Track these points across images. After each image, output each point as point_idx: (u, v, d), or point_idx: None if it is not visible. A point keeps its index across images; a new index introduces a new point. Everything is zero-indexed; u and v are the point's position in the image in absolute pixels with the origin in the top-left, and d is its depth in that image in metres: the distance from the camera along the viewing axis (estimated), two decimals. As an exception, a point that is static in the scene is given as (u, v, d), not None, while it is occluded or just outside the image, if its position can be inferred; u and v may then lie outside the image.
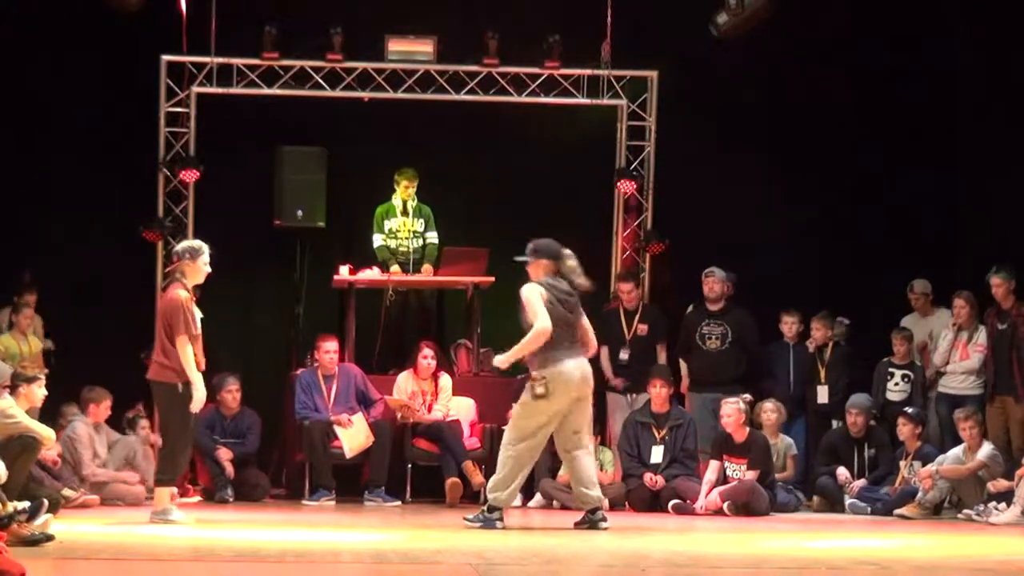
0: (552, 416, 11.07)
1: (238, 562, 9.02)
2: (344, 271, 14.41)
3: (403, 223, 14.76)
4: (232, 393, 13.79)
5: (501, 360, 11.31)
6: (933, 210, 15.54)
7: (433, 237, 14.77)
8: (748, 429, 13.20)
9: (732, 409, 13.13)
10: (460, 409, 14.06)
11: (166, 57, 14.81)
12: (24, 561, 7.84)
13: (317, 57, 14.95)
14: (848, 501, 13.47)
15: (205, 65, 14.80)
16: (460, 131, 15.30)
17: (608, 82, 15.18)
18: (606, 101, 15.26)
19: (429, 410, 13.95)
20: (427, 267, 14.61)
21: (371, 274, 14.50)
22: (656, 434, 13.51)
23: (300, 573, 8.72)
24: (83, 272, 14.44)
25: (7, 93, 14.53)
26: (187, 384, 11.12)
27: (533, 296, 10.97)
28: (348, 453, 13.68)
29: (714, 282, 14.27)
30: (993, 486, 12.69)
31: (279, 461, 14.51)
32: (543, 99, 15.20)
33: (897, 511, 12.99)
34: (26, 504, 9.81)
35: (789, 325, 14.43)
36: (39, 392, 11.86)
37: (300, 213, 14.91)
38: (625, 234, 15.42)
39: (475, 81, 15.12)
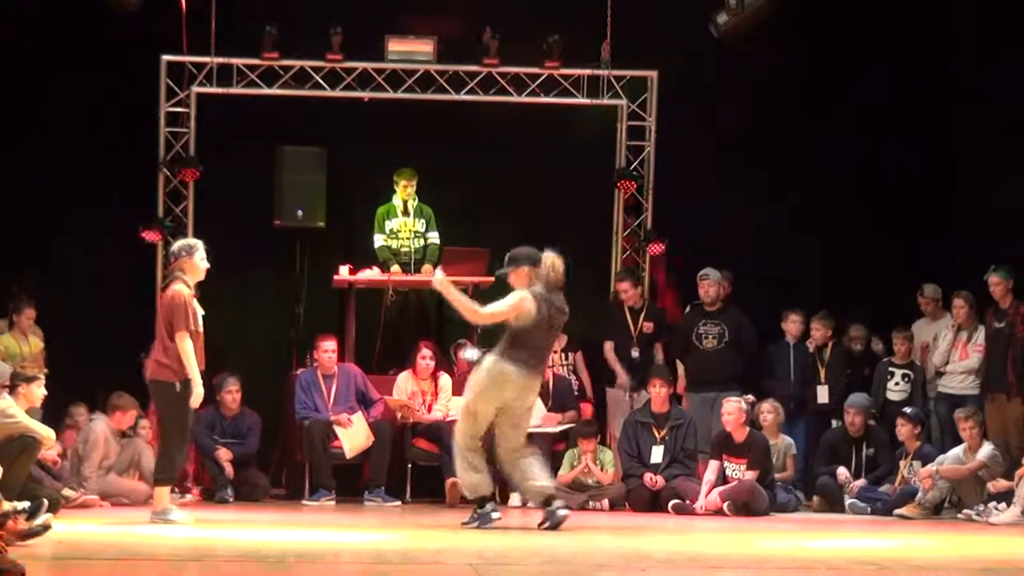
0: (497, 404, 11.03)
1: (238, 562, 9.02)
2: (344, 271, 14.42)
3: (404, 223, 14.76)
4: (232, 394, 13.79)
5: (440, 278, 11.24)
6: (933, 210, 15.54)
7: (435, 237, 14.77)
8: (748, 429, 13.20)
9: (733, 408, 13.13)
10: (460, 409, 14.05)
11: (166, 57, 14.81)
12: (24, 561, 7.83)
13: (317, 57, 14.96)
14: (848, 501, 13.47)
15: (205, 65, 14.81)
16: (460, 131, 15.30)
17: (608, 82, 15.18)
18: (606, 101, 15.26)
19: (429, 410, 13.96)
20: (427, 267, 14.61)
21: (371, 274, 14.50)
22: (656, 434, 13.51)
23: (300, 573, 8.72)
24: (83, 272, 14.43)
25: (7, 93, 14.52)
26: (185, 383, 11.11)
27: (514, 300, 10.99)
28: (348, 453, 13.69)
29: (708, 285, 14.27)
30: (993, 486, 12.70)
31: (279, 461, 14.51)
32: (543, 99, 15.21)
33: (897, 511, 12.99)
34: (26, 504, 9.81)
35: (794, 324, 14.43)
36: (39, 392, 11.86)
37: (300, 213, 14.92)
38: (625, 234, 15.42)
39: (475, 81, 15.13)
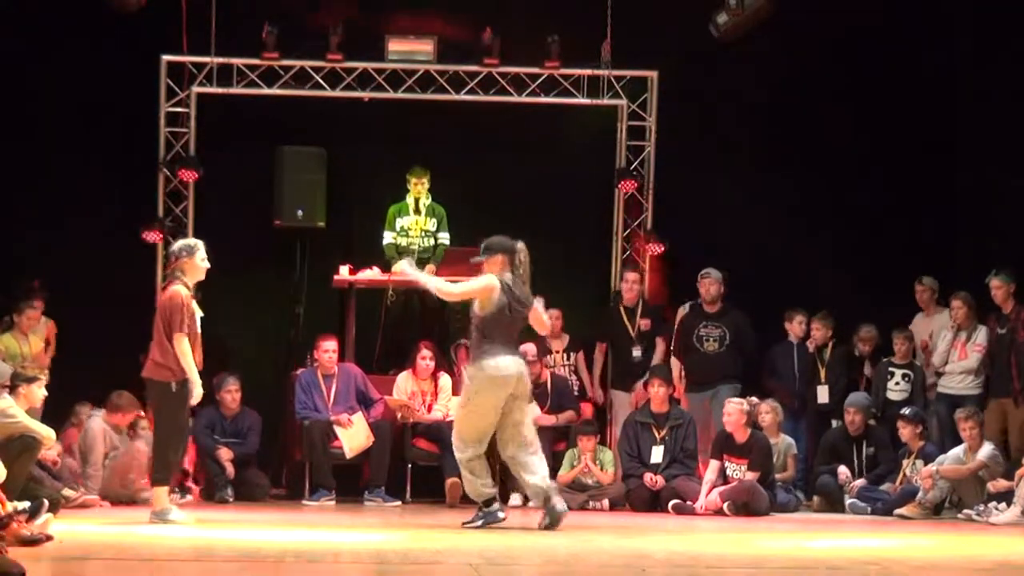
0: (489, 410, 11.02)
1: (238, 562, 9.01)
2: (344, 271, 14.42)
3: (415, 221, 14.75)
4: (232, 393, 13.79)
5: (400, 267, 11.36)
6: (933, 210, 15.54)
7: (445, 238, 14.74)
8: (750, 430, 13.20)
9: (734, 409, 13.13)
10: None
11: (166, 57, 14.82)
12: (24, 561, 7.83)
13: (317, 57, 14.96)
14: (848, 501, 13.47)
15: (205, 65, 14.81)
16: (460, 131, 15.30)
17: (608, 82, 15.18)
18: (606, 101, 15.27)
19: (429, 410, 13.96)
20: (430, 267, 14.59)
21: (371, 274, 14.50)
22: (656, 434, 13.51)
23: (300, 573, 8.72)
24: (83, 272, 14.43)
25: (7, 93, 14.52)
26: (181, 383, 11.10)
27: (484, 281, 11.02)
28: (348, 453, 13.69)
29: (710, 283, 14.27)
30: (993, 486, 12.69)
31: (279, 461, 14.51)
32: (543, 99, 15.21)
33: (897, 511, 12.99)
34: (26, 504, 9.81)
35: (799, 325, 14.43)
36: (39, 392, 11.87)
37: (300, 213, 14.92)
38: (625, 234, 15.42)
39: (475, 81, 15.13)
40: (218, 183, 15.02)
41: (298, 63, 14.96)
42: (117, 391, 13.11)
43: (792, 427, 14.14)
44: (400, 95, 15.11)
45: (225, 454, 13.58)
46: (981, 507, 12.64)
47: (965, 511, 12.79)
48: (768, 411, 13.72)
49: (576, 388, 14.61)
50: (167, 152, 14.99)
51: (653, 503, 13.29)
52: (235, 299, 14.86)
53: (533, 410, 13.72)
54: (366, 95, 15.11)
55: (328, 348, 13.91)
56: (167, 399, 11.15)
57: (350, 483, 13.84)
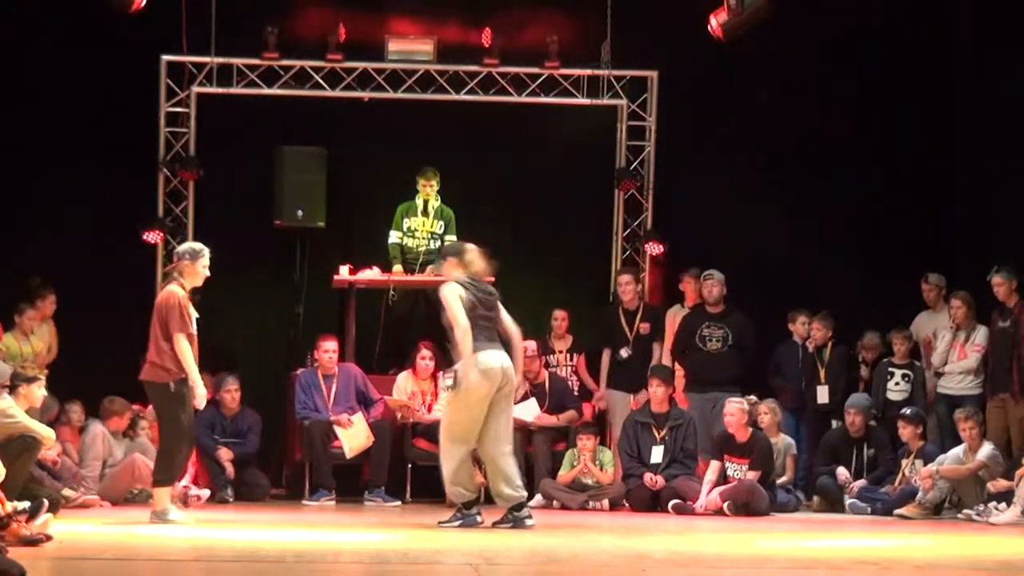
0: (476, 404, 11.03)
1: (238, 562, 9.02)
2: (344, 271, 14.41)
3: (422, 223, 14.74)
4: (231, 393, 13.79)
5: (451, 386, 11.20)
6: (933, 210, 15.54)
7: (453, 240, 14.72)
8: (751, 430, 13.20)
9: (735, 408, 13.13)
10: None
11: (166, 57, 14.82)
12: (24, 561, 7.83)
13: (317, 57, 14.97)
14: (848, 501, 13.47)
15: (205, 65, 14.81)
16: (460, 131, 15.30)
17: (608, 82, 15.18)
18: (606, 101, 15.27)
19: (429, 410, 13.95)
20: (431, 268, 14.58)
21: (371, 274, 14.50)
22: (656, 434, 13.51)
23: (300, 573, 8.72)
24: (83, 272, 14.43)
25: (7, 93, 14.52)
26: (179, 382, 11.09)
27: (451, 296, 11.05)
28: (348, 453, 13.69)
29: (712, 285, 14.27)
30: (993, 486, 12.69)
31: (279, 461, 14.51)
32: (543, 99, 15.21)
33: (897, 511, 12.99)
34: (26, 504, 9.81)
35: (803, 326, 14.43)
36: (38, 392, 11.86)
37: (300, 213, 14.91)
38: (625, 234, 15.42)
39: (475, 81, 15.13)
40: (218, 183, 15.02)
41: (298, 63, 14.96)
42: (108, 397, 13.11)
43: (794, 427, 14.13)
44: (400, 95, 15.11)
45: (225, 454, 13.59)
46: (981, 507, 12.63)
47: (965, 511, 12.78)
48: (767, 411, 13.72)
49: (576, 389, 14.60)
50: (167, 152, 14.99)
51: (653, 503, 13.29)
52: (235, 299, 14.86)
53: (531, 407, 13.74)
54: (366, 95, 15.11)
55: (328, 348, 13.91)
56: (167, 400, 11.14)
57: (350, 483, 13.84)
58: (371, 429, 13.70)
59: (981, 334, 13.68)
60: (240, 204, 15.13)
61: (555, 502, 13.44)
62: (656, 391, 13.54)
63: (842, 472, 13.58)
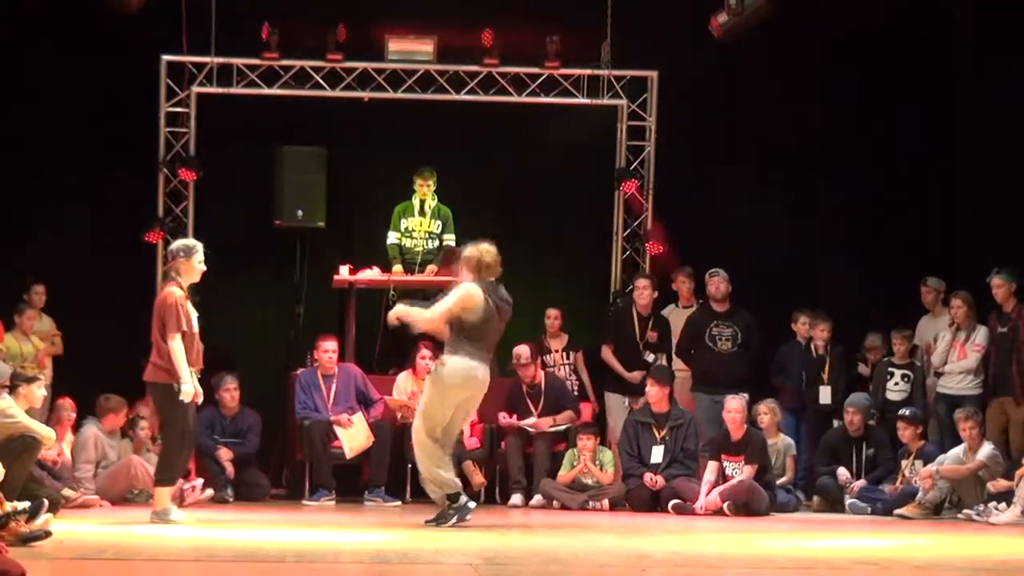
0: (451, 404, 11.11)
1: (238, 562, 9.01)
2: (344, 271, 14.42)
3: (419, 222, 14.75)
4: (230, 392, 13.79)
5: (399, 312, 11.26)
6: (933, 210, 15.54)
7: (451, 240, 14.72)
8: (746, 427, 13.21)
9: (739, 404, 13.15)
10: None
11: (166, 57, 14.82)
12: (24, 561, 7.83)
13: (317, 57, 14.97)
14: (848, 501, 13.47)
15: (205, 65, 14.81)
16: (460, 131, 15.30)
17: (608, 82, 15.19)
18: (606, 101, 15.27)
19: (429, 410, 13.93)
20: (431, 267, 14.60)
21: (371, 274, 14.50)
22: (656, 434, 13.51)
23: (300, 573, 8.72)
24: (83, 272, 14.43)
25: (7, 93, 14.52)
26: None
27: (463, 291, 11.02)
28: (348, 453, 13.69)
29: (719, 282, 14.25)
30: (993, 486, 12.69)
31: (279, 461, 14.50)
32: (543, 99, 15.21)
33: (897, 511, 12.99)
34: (26, 504, 9.81)
35: (803, 326, 14.43)
36: (38, 392, 11.87)
37: (300, 213, 14.92)
38: (625, 234, 15.42)
39: (475, 81, 15.14)
40: (218, 183, 15.02)
41: (298, 63, 14.96)
42: (104, 395, 13.09)
43: (794, 427, 14.13)
44: (400, 95, 15.12)
45: (225, 454, 13.58)
46: (981, 507, 12.63)
47: (965, 511, 12.78)
48: (766, 411, 13.72)
49: (576, 388, 14.59)
50: (167, 152, 14.99)
51: (653, 503, 13.29)
52: (235, 299, 14.88)
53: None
54: (366, 95, 15.11)
55: (328, 348, 13.91)
56: (169, 400, 11.15)
57: (350, 483, 13.84)
58: (371, 429, 13.70)
59: (981, 334, 13.69)
60: (240, 204, 15.13)
61: (555, 502, 13.44)
62: (650, 390, 13.53)
63: (842, 472, 13.58)
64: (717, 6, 14.34)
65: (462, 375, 11.01)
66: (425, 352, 13.97)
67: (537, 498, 13.50)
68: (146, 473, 12.63)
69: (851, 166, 15.56)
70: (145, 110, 14.88)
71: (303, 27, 14.97)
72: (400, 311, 11.26)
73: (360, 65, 15.05)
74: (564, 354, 14.67)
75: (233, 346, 14.74)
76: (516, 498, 13.53)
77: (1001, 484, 12.64)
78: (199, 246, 11.41)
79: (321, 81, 15.01)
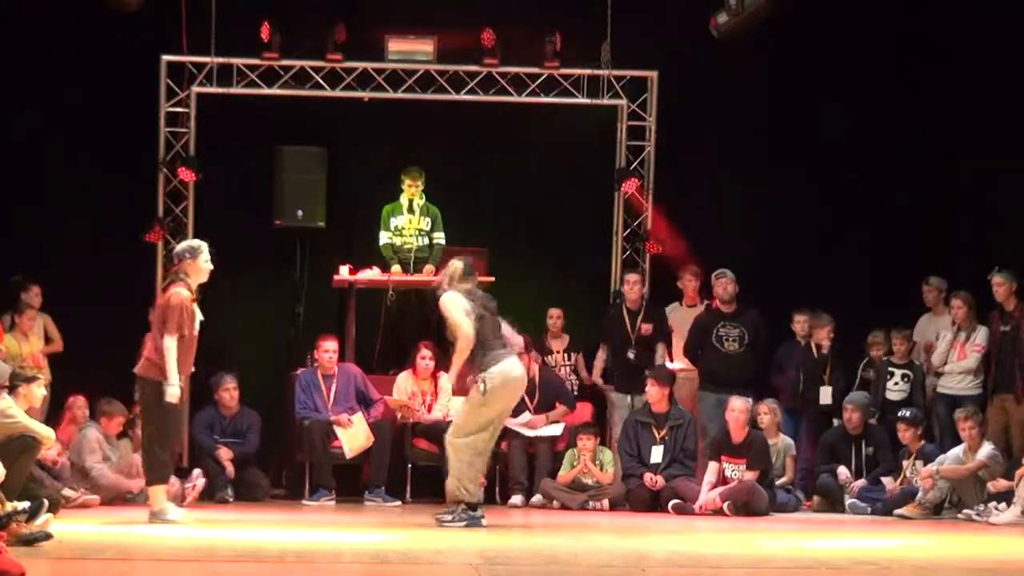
0: (501, 412, 11.23)
1: (238, 562, 9.02)
2: (344, 271, 14.42)
3: (409, 221, 14.74)
4: (230, 391, 13.79)
5: (451, 382, 11.37)
6: (933, 210, 15.54)
7: (440, 238, 14.73)
8: (748, 429, 13.20)
9: (742, 405, 13.14)
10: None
11: (166, 57, 14.82)
12: (24, 561, 7.84)
13: (317, 57, 14.96)
14: (848, 501, 13.47)
15: (205, 65, 14.81)
16: (460, 131, 15.30)
17: (608, 82, 15.18)
18: (606, 101, 15.26)
19: (429, 410, 13.96)
20: (429, 267, 14.60)
21: (371, 274, 14.50)
22: (656, 434, 13.51)
23: (300, 573, 8.72)
24: (83, 272, 14.43)
25: (7, 93, 14.52)
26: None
27: (452, 305, 11.12)
28: (348, 453, 13.69)
29: (727, 283, 14.24)
30: (993, 486, 12.69)
31: (279, 461, 14.50)
32: (543, 99, 15.21)
33: (897, 511, 12.99)
34: (26, 504, 9.80)
35: (799, 324, 14.43)
36: (38, 392, 11.85)
37: (300, 213, 14.92)
38: (625, 234, 15.42)
39: (475, 81, 15.13)
40: (218, 183, 15.02)
41: (298, 63, 14.96)
42: (106, 399, 13.10)
43: (793, 427, 14.13)
44: (400, 95, 15.11)
45: (225, 454, 13.58)
46: (981, 507, 12.63)
47: (965, 511, 12.78)
48: (766, 412, 13.72)
49: (576, 389, 14.59)
50: (167, 152, 14.99)
51: (653, 503, 13.29)
52: (235, 299, 14.86)
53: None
54: (366, 95, 15.11)
55: (328, 348, 13.90)
56: (157, 397, 11.13)
57: (350, 483, 13.84)
58: (371, 429, 13.70)
59: (981, 334, 13.69)
60: (240, 204, 15.13)
61: (555, 502, 13.44)
62: (650, 390, 13.54)
63: (843, 472, 13.58)
64: (717, 6, 14.35)
65: (503, 380, 11.08)
66: (425, 352, 13.98)
67: (537, 498, 13.51)
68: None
69: (851, 166, 15.56)
70: (145, 110, 14.87)
71: (303, 27, 14.97)
72: (451, 381, 11.38)
73: (360, 65, 15.05)
74: (565, 355, 14.67)
75: (233, 346, 14.75)
76: (516, 498, 13.53)
77: (1001, 484, 12.65)
78: (204, 246, 11.41)
79: (321, 81, 15.01)
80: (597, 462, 13.52)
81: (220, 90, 14.90)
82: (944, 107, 15.59)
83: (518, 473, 13.68)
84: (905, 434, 13.41)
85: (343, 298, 14.63)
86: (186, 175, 14.88)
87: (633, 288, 14.43)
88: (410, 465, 13.88)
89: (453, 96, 15.14)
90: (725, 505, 12.88)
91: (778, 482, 13.46)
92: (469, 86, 15.14)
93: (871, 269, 15.33)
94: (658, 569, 8.89)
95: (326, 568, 8.88)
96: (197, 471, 13.14)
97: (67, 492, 12.26)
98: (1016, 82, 14.47)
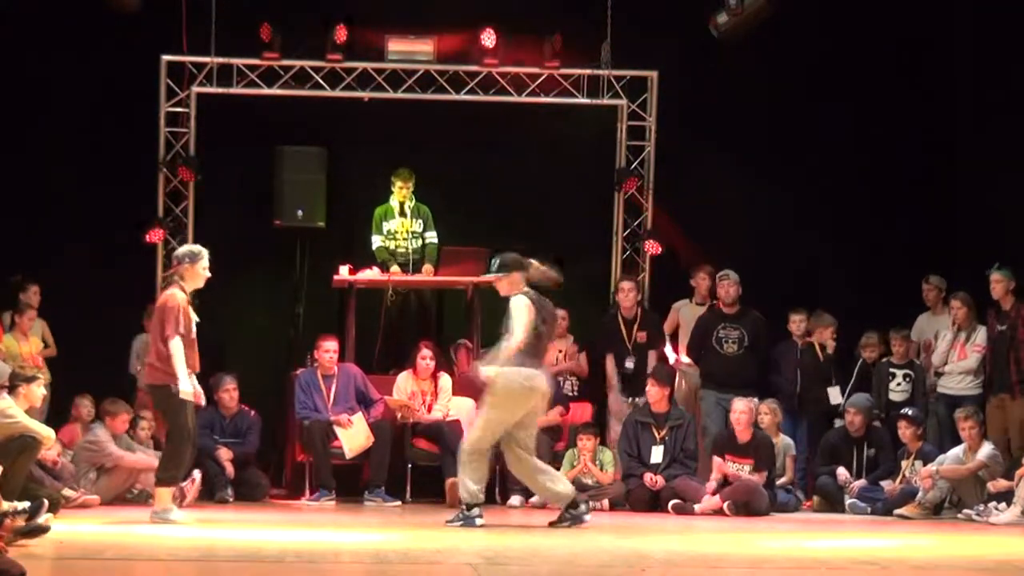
0: (515, 415, 11.23)
1: (238, 562, 9.02)
2: (344, 271, 14.41)
3: (401, 224, 14.74)
4: (229, 392, 13.79)
5: (486, 373, 11.33)
6: (934, 210, 15.54)
7: (432, 237, 14.75)
8: (752, 430, 13.20)
9: (745, 407, 13.15)
10: (460, 409, 14.04)
11: (166, 57, 14.82)
12: (24, 561, 7.83)
13: (317, 57, 14.97)
14: (848, 501, 13.47)
15: (205, 65, 14.81)
16: (460, 131, 15.30)
17: (608, 82, 15.18)
18: (606, 101, 15.27)
19: (429, 410, 13.95)
20: (427, 267, 14.61)
21: (371, 274, 14.49)
22: (656, 434, 13.51)
23: (300, 573, 8.72)
24: (83, 272, 14.43)
25: (6, 93, 14.52)
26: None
27: (521, 310, 11.16)
28: (348, 453, 13.68)
29: (729, 285, 14.24)
30: (993, 486, 12.69)
31: (279, 461, 14.50)
32: (543, 99, 15.21)
33: (897, 511, 12.99)
34: (26, 504, 9.81)
35: (792, 324, 14.44)
36: (38, 392, 11.86)
37: (300, 213, 14.93)
38: (625, 234, 15.42)
39: (475, 81, 15.13)
40: (218, 183, 15.02)
41: (298, 63, 14.96)
42: (110, 399, 13.10)
43: (791, 427, 14.12)
44: (400, 95, 15.11)
45: (225, 454, 13.58)
46: (981, 507, 12.63)
47: (965, 511, 12.78)
48: (767, 411, 13.71)
49: (576, 389, 14.58)
50: (167, 152, 14.99)
51: (653, 503, 13.28)
52: (235, 299, 14.87)
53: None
54: (366, 95, 15.11)
55: (328, 348, 13.90)
56: (170, 402, 11.17)
57: (350, 483, 13.83)
58: (371, 429, 13.69)
59: (982, 334, 13.70)
60: (240, 204, 15.13)
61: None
62: (650, 390, 13.54)
63: (842, 472, 13.57)
64: (717, 6, 14.35)
65: (522, 387, 11.15)
66: (426, 352, 13.98)
67: (537, 498, 13.48)
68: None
69: (851, 166, 15.55)
70: (145, 110, 14.87)
71: (303, 27, 14.97)
72: (488, 372, 11.26)
73: (360, 65, 15.05)
74: (568, 356, 14.64)
75: (233, 346, 14.76)
76: (515, 498, 13.52)
77: (1001, 484, 12.65)
78: (205, 252, 11.43)
79: (321, 81, 15.01)
80: (597, 462, 13.52)
81: (220, 90, 14.90)
82: (944, 107, 15.59)
83: (517, 473, 13.68)
84: (905, 432, 13.41)
85: (343, 298, 14.62)
86: (186, 175, 14.88)
87: (628, 296, 14.43)
88: (410, 465, 13.88)
89: (453, 96, 15.14)
90: (725, 505, 12.88)
91: (778, 482, 13.46)
92: (469, 86, 15.14)
93: (871, 269, 15.31)
94: (658, 569, 8.89)
95: (326, 568, 8.88)
96: (197, 473, 13.13)
97: (67, 492, 12.26)
98: (1016, 82, 14.47)
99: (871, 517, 13.13)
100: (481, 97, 15.15)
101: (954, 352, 13.83)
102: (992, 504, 12.55)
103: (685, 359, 14.49)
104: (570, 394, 14.49)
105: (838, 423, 14.04)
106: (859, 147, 15.59)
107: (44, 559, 8.84)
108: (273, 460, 14.44)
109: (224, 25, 14.48)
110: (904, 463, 13.39)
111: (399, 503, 13.59)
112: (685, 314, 14.71)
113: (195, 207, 14.98)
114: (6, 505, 9.64)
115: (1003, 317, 13.46)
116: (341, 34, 14.85)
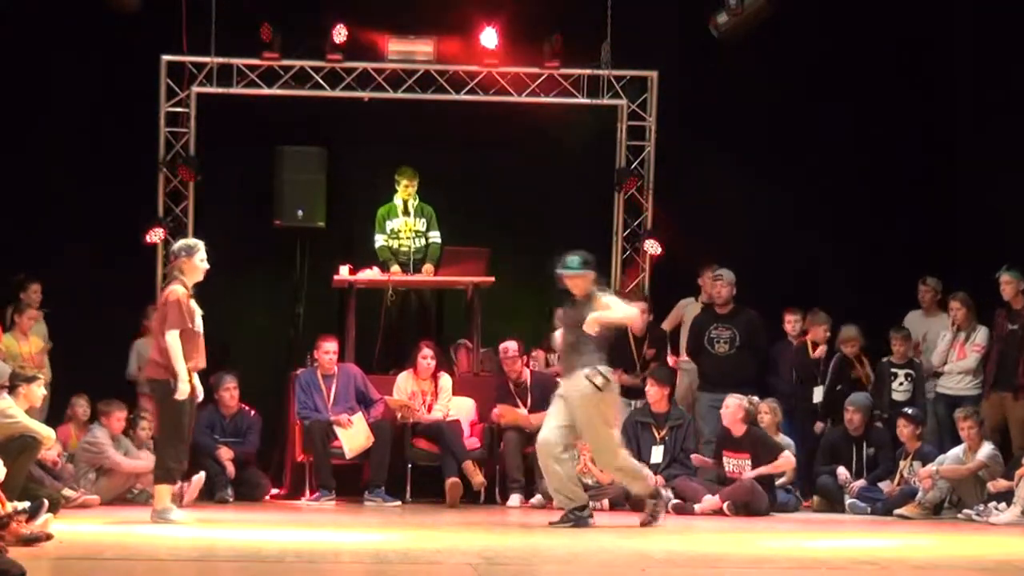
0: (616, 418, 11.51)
1: (238, 562, 9.02)
2: (344, 271, 14.41)
3: (405, 223, 14.74)
4: (230, 391, 13.79)
5: (594, 319, 11.24)
6: (933, 210, 15.54)
7: (436, 237, 14.75)
8: (747, 426, 13.17)
9: (733, 403, 13.14)
10: (460, 409, 14.06)
11: (166, 57, 14.82)
12: (24, 561, 7.83)
13: (317, 57, 14.97)
14: (848, 501, 13.46)
15: (205, 65, 14.81)
16: (460, 131, 15.30)
17: (608, 82, 15.19)
18: (606, 101, 15.27)
19: (429, 410, 13.95)
20: (428, 267, 14.61)
21: (371, 274, 14.49)
22: (656, 434, 13.51)
23: (300, 573, 8.72)
24: (83, 272, 14.43)
25: (6, 93, 14.52)
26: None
27: (618, 302, 11.44)
28: (348, 453, 13.68)
29: (722, 286, 14.24)
30: (993, 486, 12.69)
31: (279, 461, 14.50)
32: (543, 99, 15.21)
33: (897, 511, 12.98)
34: (26, 504, 9.81)
35: (788, 323, 14.44)
36: (38, 392, 11.87)
37: (300, 213, 14.93)
38: (625, 234, 15.42)
39: (475, 81, 15.13)
40: (218, 183, 15.02)
41: (298, 63, 14.96)
42: (104, 401, 13.10)
43: (787, 427, 14.11)
44: (400, 95, 15.11)
45: (225, 454, 13.58)
46: (981, 507, 12.63)
47: (965, 511, 12.78)
48: (767, 411, 13.70)
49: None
50: (167, 152, 14.99)
51: (653, 503, 13.27)
52: (235, 299, 14.87)
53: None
54: (366, 95, 15.11)
55: (328, 348, 13.90)
56: (167, 397, 11.15)
57: (350, 483, 13.84)
58: (371, 429, 13.70)
59: (981, 334, 13.70)
60: (240, 204, 15.14)
61: (555, 502, 13.40)
62: (650, 390, 13.54)
63: (842, 472, 13.57)
64: (717, 6, 14.35)
65: (615, 392, 11.49)
66: (426, 352, 13.97)
67: (537, 498, 13.48)
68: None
69: (851, 166, 15.56)
70: (145, 110, 14.87)
71: (303, 27, 14.97)
72: (595, 322, 11.21)
73: (360, 65, 15.05)
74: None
75: (233, 346, 14.74)
76: (515, 498, 13.52)
77: (1001, 484, 12.64)
78: (200, 244, 11.44)
79: (321, 81, 15.01)
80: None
81: (220, 90, 14.91)
82: (944, 107, 15.59)
83: (514, 472, 13.67)
84: (904, 430, 13.40)
85: (343, 298, 14.62)
86: (186, 175, 14.88)
87: (640, 317, 14.38)
88: (410, 465, 13.87)
89: (453, 96, 15.15)
90: (725, 505, 12.88)
91: (778, 482, 13.45)
92: (469, 86, 15.14)
93: (870, 269, 15.31)
94: (658, 569, 8.89)
95: (326, 568, 8.88)
96: (201, 475, 13.13)
97: (67, 492, 12.26)
98: (1016, 82, 14.47)
99: (871, 517, 13.13)
100: (481, 97, 15.15)
101: (953, 352, 13.83)
102: (992, 504, 12.55)
103: (684, 357, 14.49)
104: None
105: (819, 424, 14.04)
106: (859, 147, 15.60)
107: (44, 559, 8.83)
108: (273, 460, 14.44)
109: (224, 25, 14.48)
110: (902, 463, 13.39)
111: (399, 503, 13.59)
112: (691, 312, 14.71)
113: (195, 207, 14.98)
114: (7, 506, 9.63)
115: (1015, 316, 13.45)
116: (341, 34, 14.85)
